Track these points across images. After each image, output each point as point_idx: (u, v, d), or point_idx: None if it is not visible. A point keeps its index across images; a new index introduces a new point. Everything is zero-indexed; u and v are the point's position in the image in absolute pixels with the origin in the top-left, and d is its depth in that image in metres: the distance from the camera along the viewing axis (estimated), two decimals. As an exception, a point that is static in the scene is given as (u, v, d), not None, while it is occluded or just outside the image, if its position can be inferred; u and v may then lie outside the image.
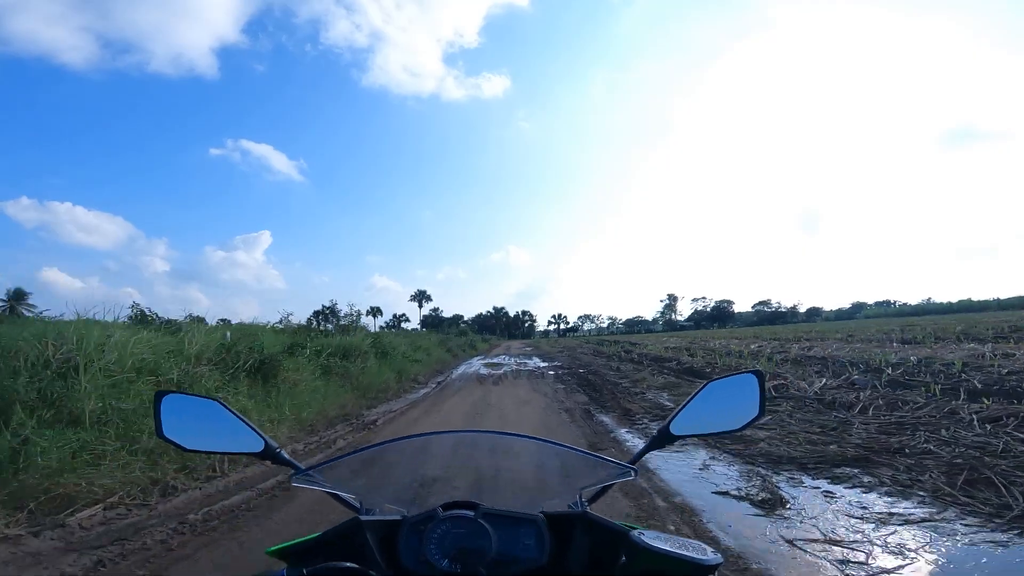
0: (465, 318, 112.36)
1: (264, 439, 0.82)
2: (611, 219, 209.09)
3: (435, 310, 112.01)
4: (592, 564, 0.70)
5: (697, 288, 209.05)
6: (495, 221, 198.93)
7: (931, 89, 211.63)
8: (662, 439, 0.83)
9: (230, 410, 0.82)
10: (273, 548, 0.70)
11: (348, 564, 0.61)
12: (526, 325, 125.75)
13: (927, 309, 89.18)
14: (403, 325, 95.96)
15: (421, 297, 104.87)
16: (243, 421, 0.81)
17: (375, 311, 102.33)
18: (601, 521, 0.72)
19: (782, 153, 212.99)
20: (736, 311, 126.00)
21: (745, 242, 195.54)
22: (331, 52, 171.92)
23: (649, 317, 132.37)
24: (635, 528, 0.66)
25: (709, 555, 0.56)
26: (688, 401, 0.82)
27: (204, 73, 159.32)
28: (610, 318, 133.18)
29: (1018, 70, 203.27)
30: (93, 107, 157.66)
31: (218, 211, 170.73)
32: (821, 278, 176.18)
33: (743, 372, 0.82)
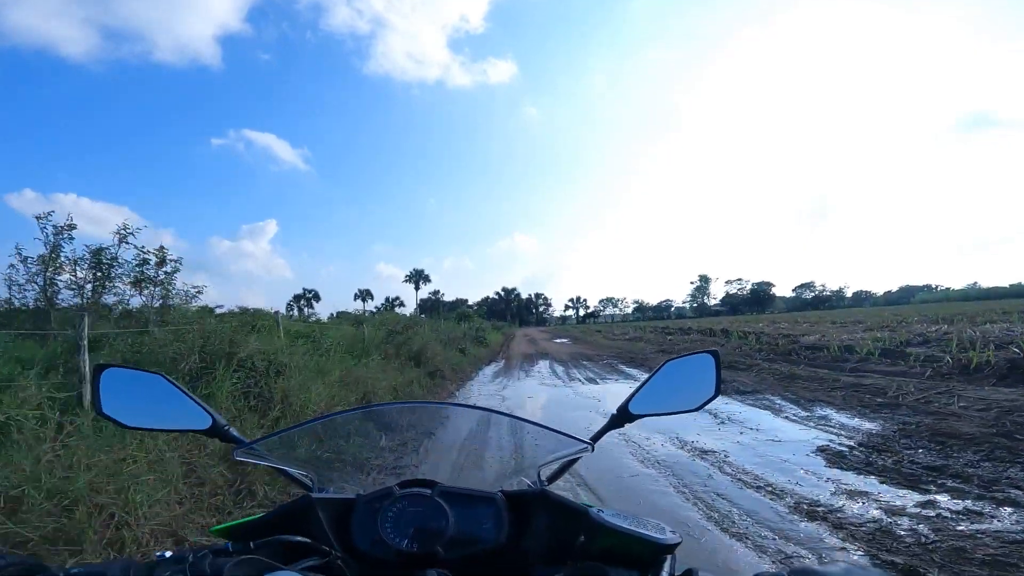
0: (470, 302, 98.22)
1: (212, 415, 0.75)
2: (629, 202, 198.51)
3: (435, 293, 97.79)
4: (551, 543, 0.66)
5: (730, 270, 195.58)
6: (501, 209, 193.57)
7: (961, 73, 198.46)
8: (621, 418, 0.82)
9: (176, 385, 0.75)
10: (218, 527, 0.65)
11: (299, 538, 0.60)
12: (540, 310, 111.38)
13: (987, 294, 79.17)
14: (397, 310, 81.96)
15: (418, 278, 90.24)
16: (189, 397, 0.75)
17: (364, 294, 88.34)
18: (560, 500, 0.68)
19: (812, 137, 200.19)
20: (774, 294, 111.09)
21: (778, 223, 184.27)
22: (332, 39, 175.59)
23: (678, 300, 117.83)
24: (593, 507, 0.63)
25: (668, 534, 0.54)
26: (647, 380, 0.81)
27: (207, 62, 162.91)
28: (636, 302, 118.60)
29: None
30: (95, 99, 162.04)
31: (224, 201, 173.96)
32: (859, 261, 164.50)
33: (700, 352, 0.81)
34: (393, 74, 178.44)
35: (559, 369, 12.33)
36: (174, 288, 9.33)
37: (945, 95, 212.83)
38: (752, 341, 15.18)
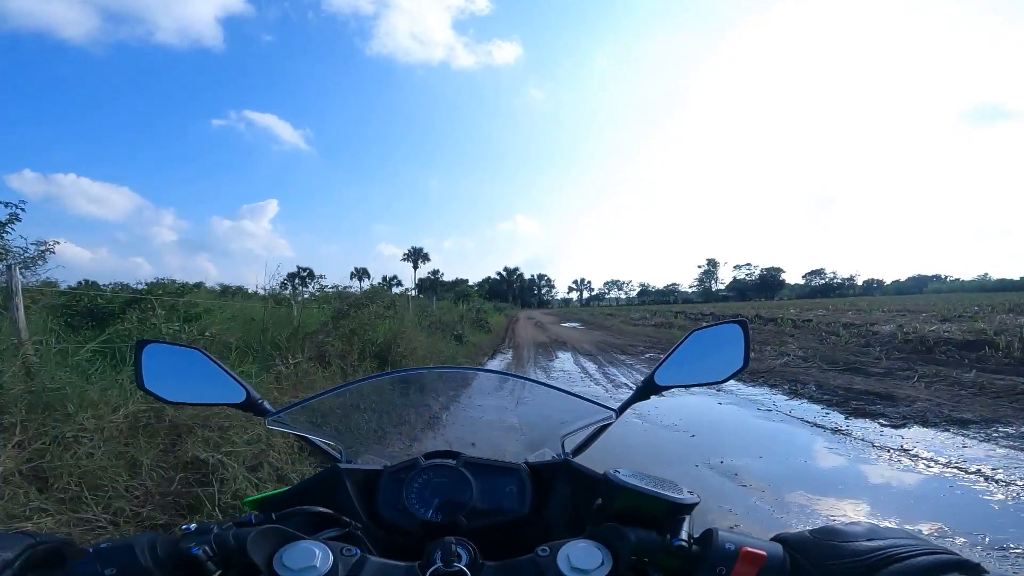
0: (470, 283, 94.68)
1: (246, 389, 0.75)
2: (635, 184, 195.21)
3: (435, 273, 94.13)
4: (572, 511, 0.67)
5: (738, 255, 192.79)
6: (504, 190, 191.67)
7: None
8: (647, 390, 0.78)
9: (212, 359, 0.76)
10: (251, 498, 0.67)
11: (319, 508, 0.60)
12: (542, 291, 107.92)
13: (1002, 285, 76.20)
14: (394, 290, 78.31)
15: (417, 256, 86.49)
16: (225, 371, 0.76)
17: (360, 272, 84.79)
18: (582, 469, 0.69)
19: (822, 123, 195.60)
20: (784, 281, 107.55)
21: (787, 209, 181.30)
22: (335, 20, 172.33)
23: (684, 284, 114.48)
24: (609, 470, 0.59)
25: (686, 494, 0.52)
26: (673, 351, 0.77)
27: (209, 43, 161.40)
28: (642, 285, 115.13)
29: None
30: (95, 81, 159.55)
31: (225, 181, 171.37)
32: (868, 250, 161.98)
33: (728, 322, 0.77)
34: (396, 55, 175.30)
35: (590, 366, 8.91)
36: (9, 244, 5.89)
37: (957, 85, 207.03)
38: (842, 333, 11.74)
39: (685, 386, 0.77)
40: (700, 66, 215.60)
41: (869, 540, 0.43)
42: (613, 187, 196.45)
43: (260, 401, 0.75)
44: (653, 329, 17.97)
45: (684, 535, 0.49)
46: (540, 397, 0.88)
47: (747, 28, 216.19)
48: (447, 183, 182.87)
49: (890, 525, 0.42)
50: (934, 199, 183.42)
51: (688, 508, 0.51)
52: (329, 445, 0.80)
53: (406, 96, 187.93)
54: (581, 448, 0.80)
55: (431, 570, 0.48)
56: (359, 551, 0.48)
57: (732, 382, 7.06)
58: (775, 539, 0.47)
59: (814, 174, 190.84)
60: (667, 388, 0.76)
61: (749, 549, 0.44)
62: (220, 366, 0.75)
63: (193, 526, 0.51)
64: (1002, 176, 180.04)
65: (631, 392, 0.80)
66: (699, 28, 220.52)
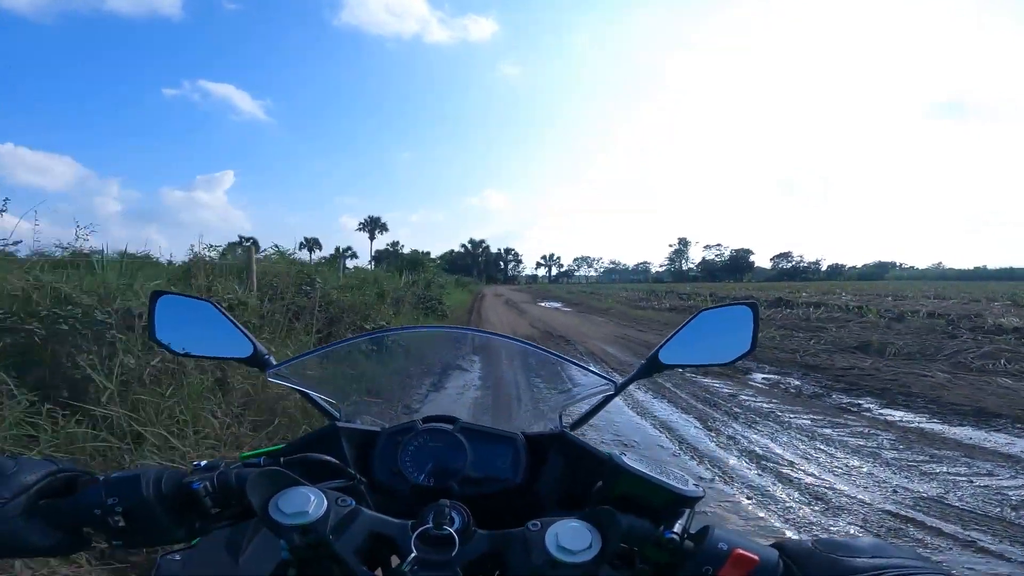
0: (433, 255, 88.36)
1: (254, 344, 0.75)
2: (608, 162, 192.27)
3: (394, 244, 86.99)
4: (568, 487, 0.66)
5: (707, 235, 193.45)
6: (475, 165, 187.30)
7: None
8: (650, 367, 0.76)
9: (223, 313, 0.75)
10: (247, 454, 0.63)
11: (328, 458, 0.59)
12: (510, 266, 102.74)
13: (960, 275, 79.94)
14: (349, 263, 71.05)
15: (374, 226, 79.03)
16: (235, 325, 0.75)
17: (311, 243, 76.75)
18: (579, 443, 0.68)
19: (794, 108, 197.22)
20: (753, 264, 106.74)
21: (755, 192, 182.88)
22: None
23: (656, 263, 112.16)
24: (615, 452, 0.57)
25: (691, 487, 0.50)
26: (679, 329, 0.75)
27: (166, 12, 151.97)
28: (613, 262, 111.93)
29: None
30: (40, 50, 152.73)
31: (177, 152, 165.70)
32: (829, 235, 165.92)
33: (737, 304, 0.75)
34: (367, 27, 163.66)
35: (673, 418, 3.79)
36: None
37: (927, 79, 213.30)
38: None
39: (690, 366, 0.77)
40: (677, 49, 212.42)
41: (872, 558, 0.41)
42: (586, 164, 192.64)
43: (267, 356, 0.75)
44: (673, 315, 13.15)
45: (678, 528, 0.47)
46: (543, 365, 0.87)
47: (725, 10, 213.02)
48: (416, 156, 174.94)
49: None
50: (895, 189, 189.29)
51: (691, 501, 0.49)
52: (329, 403, 0.80)
53: (375, 69, 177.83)
54: (580, 422, 0.79)
55: (420, 530, 0.47)
56: (353, 502, 0.48)
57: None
58: (774, 545, 0.45)
59: (785, 158, 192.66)
60: (671, 367, 0.75)
61: (741, 551, 0.43)
62: (231, 320, 0.74)
63: (203, 462, 0.52)
64: (957, 171, 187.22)
65: (635, 369, 0.78)
66: (679, 9, 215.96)
